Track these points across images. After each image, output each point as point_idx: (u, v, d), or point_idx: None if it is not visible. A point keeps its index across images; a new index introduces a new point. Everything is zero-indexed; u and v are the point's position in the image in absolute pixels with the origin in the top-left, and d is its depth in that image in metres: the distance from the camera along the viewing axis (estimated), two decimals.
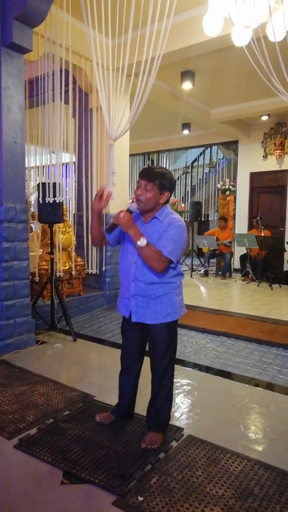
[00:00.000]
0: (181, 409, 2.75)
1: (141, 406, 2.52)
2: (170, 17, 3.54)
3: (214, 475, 2.04)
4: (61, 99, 4.57)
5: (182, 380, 3.22)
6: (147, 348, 2.36)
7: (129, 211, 2.10)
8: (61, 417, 2.57)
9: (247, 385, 3.18)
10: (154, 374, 2.28)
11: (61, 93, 4.43)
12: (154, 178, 2.09)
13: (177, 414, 2.67)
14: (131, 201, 6.01)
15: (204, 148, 10.81)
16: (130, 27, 3.73)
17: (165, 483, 1.96)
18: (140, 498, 1.85)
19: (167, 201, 2.20)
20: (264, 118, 8.31)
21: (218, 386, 3.17)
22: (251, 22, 3.23)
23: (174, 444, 2.31)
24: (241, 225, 9.29)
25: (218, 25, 3.50)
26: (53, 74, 4.38)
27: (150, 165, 12.04)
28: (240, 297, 6.61)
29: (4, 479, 1.99)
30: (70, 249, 5.10)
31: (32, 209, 5.77)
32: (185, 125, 9.07)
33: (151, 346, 2.27)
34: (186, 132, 9.19)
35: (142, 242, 2.01)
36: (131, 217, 2.08)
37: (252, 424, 2.59)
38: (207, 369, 3.48)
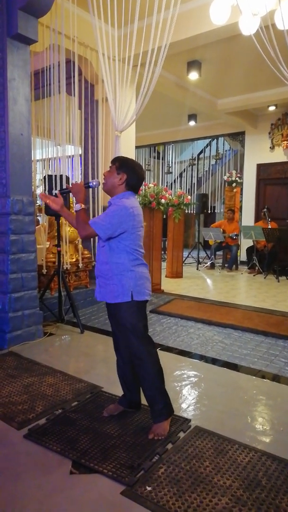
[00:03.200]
0: (188, 400, 2.77)
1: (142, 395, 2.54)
2: (177, 6, 3.49)
3: (221, 466, 2.05)
4: (66, 91, 4.55)
5: (189, 371, 3.23)
6: None
7: (87, 185, 2.38)
8: (69, 408, 2.60)
9: (254, 377, 3.18)
10: (133, 359, 2.35)
11: (67, 84, 4.41)
12: (115, 160, 2.32)
13: (184, 406, 2.68)
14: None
15: (210, 139, 10.72)
16: (136, 16, 3.68)
17: (173, 474, 1.98)
18: (149, 488, 1.87)
19: (131, 187, 2.30)
20: (272, 108, 8.22)
21: (225, 378, 3.17)
22: (259, 9, 3.18)
23: (181, 435, 2.32)
24: (247, 217, 9.24)
25: (226, 14, 3.45)
26: (58, 65, 4.35)
27: (156, 157, 11.98)
28: (246, 289, 6.59)
29: (14, 468, 2.02)
30: (77, 242, 5.11)
31: (38, 202, 5.78)
32: (192, 116, 8.99)
33: (117, 331, 2.41)
34: (192, 123, 9.12)
35: (77, 207, 2.24)
36: (83, 187, 2.32)
37: (259, 415, 2.60)
38: (214, 361, 3.49)
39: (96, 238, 2.29)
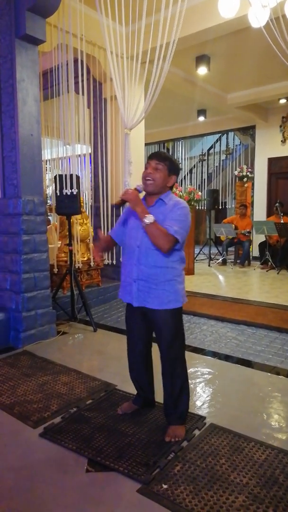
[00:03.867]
0: (203, 397, 2.76)
1: (159, 393, 2.54)
2: (185, 1, 3.45)
3: (238, 464, 2.04)
4: (75, 90, 4.55)
5: (203, 369, 3.22)
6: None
7: (136, 189, 2.13)
8: (84, 406, 2.61)
9: (269, 374, 3.15)
10: (165, 364, 2.26)
11: (75, 83, 4.41)
12: (164, 159, 2.15)
13: (198, 403, 2.67)
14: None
15: (220, 134, 10.63)
16: (144, 13, 3.65)
17: (189, 471, 1.97)
18: (165, 486, 1.86)
19: (172, 187, 2.24)
20: (282, 101, 8.09)
21: (240, 375, 3.15)
22: (269, 1, 3.12)
23: (196, 432, 2.31)
24: (259, 212, 9.14)
25: (234, 6, 3.40)
26: (66, 64, 4.35)
27: None
28: (259, 285, 6.53)
29: (31, 467, 2.04)
30: (88, 240, 5.12)
31: (49, 201, 5.81)
32: (201, 112, 8.92)
33: (158, 335, 2.26)
34: (201, 118, 9.04)
35: (149, 219, 2.03)
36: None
37: (275, 412, 2.58)
38: (228, 358, 3.47)
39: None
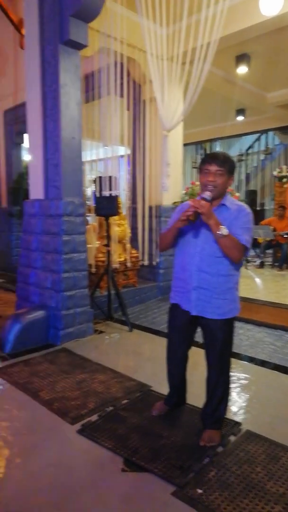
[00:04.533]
0: (238, 403, 2.73)
1: (192, 396, 2.56)
2: (226, 0, 3.41)
3: (274, 473, 2.00)
4: (115, 93, 4.62)
5: (239, 374, 3.18)
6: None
7: (204, 199, 2.03)
8: (120, 406, 2.65)
9: None
10: (213, 371, 2.25)
11: (115, 86, 4.47)
12: (224, 162, 2.06)
13: (234, 409, 2.64)
14: (185, 191, 5.95)
15: (259, 134, 10.40)
16: (185, 13, 3.64)
17: (224, 477, 1.96)
18: (199, 491, 1.87)
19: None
20: None
21: (276, 382, 3.09)
22: None
23: (232, 438, 2.30)
24: None
25: (277, 4, 3.33)
26: (107, 68, 4.43)
27: (202, 154, 11.83)
28: None
29: (68, 462, 2.11)
30: (125, 241, 5.19)
31: (88, 202, 5.93)
32: (240, 111, 8.78)
33: (209, 343, 2.22)
34: (240, 118, 8.90)
35: (223, 231, 1.97)
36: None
37: None
38: (264, 364, 3.40)
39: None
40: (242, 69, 5.96)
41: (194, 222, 2.07)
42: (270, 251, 8.63)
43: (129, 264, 5.10)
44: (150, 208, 5.49)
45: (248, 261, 8.40)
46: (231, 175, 2.10)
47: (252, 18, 4.34)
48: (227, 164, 2.06)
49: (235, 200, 2.17)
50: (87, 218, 6.64)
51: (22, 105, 6.63)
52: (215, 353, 2.20)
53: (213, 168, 2.05)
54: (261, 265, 8.24)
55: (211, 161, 2.06)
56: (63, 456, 2.16)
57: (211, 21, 3.62)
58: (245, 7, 4.36)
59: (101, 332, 4.20)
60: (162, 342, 3.87)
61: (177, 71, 4.14)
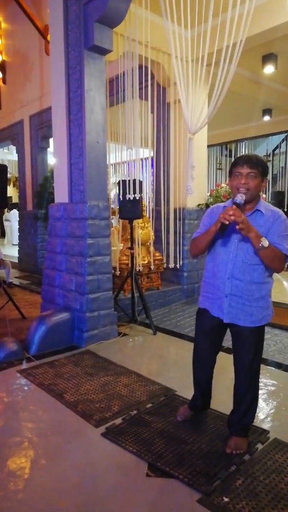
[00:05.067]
0: (266, 410, 2.66)
1: (218, 402, 2.52)
2: (253, 0, 3.35)
3: None
4: (140, 96, 4.63)
5: (266, 380, 3.10)
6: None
7: (237, 205, 1.95)
8: (144, 410, 2.64)
9: None
10: (242, 378, 2.19)
11: (139, 89, 4.48)
12: (257, 164, 1.99)
13: (261, 416, 2.58)
14: (209, 193, 5.90)
15: (286, 134, 10.18)
16: (210, 14, 3.61)
17: (251, 486, 1.91)
18: (226, 499, 1.82)
19: None
20: None
21: None
22: None
23: (259, 446, 2.24)
24: None
25: None
26: (132, 71, 4.44)
27: (228, 155, 11.70)
28: None
29: (93, 465, 2.10)
30: (148, 244, 5.18)
31: (112, 205, 5.95)
32: (266, 111, 8.63)
33: (240, 350, 2.17)
34: (267, 118, 8.75)
35: (265, 243, 1.91)
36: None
37: None
38: None
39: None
40: (269, 69, 5.86)
41: (223, 235, 2.03)
42: None
43: (152, 267, 5.09)
44: (175, 210, 5.46)
45: None
46: (264, 177, 2.03)
47: (279, 18, 4.27)
48: (260, 166, 1.99)
49: (269, 205, 2.10)
50: (111, 220, 6.69)
51: (48, 110, 6.78)
52: (245, 360, 2.15)
53: (245, 170, 1.98)
54: None
55: (243, 163, 1.99)
56: (88, 459, 2.16)
57: (237, 21, 3.56)
58: (271, 7, 4.28)
59: (125, 334, 4.20)
60: (187, 346, 3.88)
61: (202, 73, 4.10)
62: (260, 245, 1.90)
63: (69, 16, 3.86)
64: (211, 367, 2.38)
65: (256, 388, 2.24)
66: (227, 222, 1.91)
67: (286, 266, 2.03)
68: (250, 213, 2.04)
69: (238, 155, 9.35)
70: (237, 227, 1.91)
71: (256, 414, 2.51)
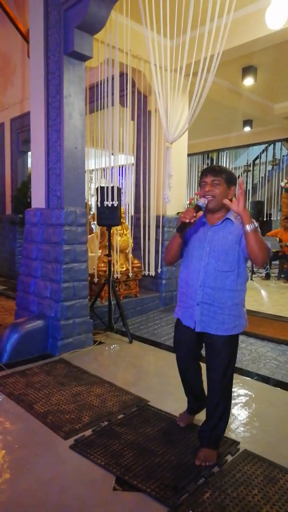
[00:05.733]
0: (238, 421, 2.65)
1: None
2: (230, 14, 3.41)
3: (271, 496, 1.93)
4: (120, 103, 4.63)
5: (240, 390, 3.10)
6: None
7: (198, 207, 1.99)
8: (115, 421, 2.59)
9: None
10: (214, 389, 2.16)
11: (120, 96, 4.48)
12: (220, 172, 2.04)
13: (233, 427, 2.57)
14: (188, 202, 5.93)
15: (267, 145, 10.38)
16: (189, 26, 3.65)
17: (219, 500, 1.89)
18: None
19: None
20: None
21: (278, 399, 3.00)
22: None
23: (229, 458, 2.22)
24: None
25: (282, 18, 3.31)
26: (112, 79, 4.45)
27: (209, 164, 11.84)
28: None
29: (59, 479, 2.05)
30: (127, 251, 5.16)
31: (93, 210, 5.92)
32: (247, 122, 8.78)
33: (212, 359, 2.14)
34: (247, 129, 8.89)
35: (252, 226, 1.90)
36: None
37: None
38: (267, 380, 3.31)
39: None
40: (249, 81, 5.97)
41: (183, 235, 2.06)
42: (276, 262, 8.55)
43: (131, 274, 5.07)
44: (154, 218, 5.46)
45: (253, 273, 8.32)
46: (230, 185, 2.05)
47: (258, 31, 4.34)
48: (223, 174, 2.04)
49: None
50: (92, 225, 6.65)
51: (29, 114, 6.71)
52: (218, 370, 2.13)
53: (209, 179, 2.04)
54: (267, 277, 8.15)
55: (207, 173, 2.06)
56: (54, 473, 2.10)
57: (215, 34, 3.62)
58: (250, 20, 4.36)
59: (100, 343, 4.15)
60: (163, 355, 3.86)
61: (181, 83, 4.13)
62: (252, 225, 1.89)
63: (49, 21, 3.84)
64: (197, 374, 2.37)
65: (228, 399, 2.23)
66: (187, 221, 1.96)
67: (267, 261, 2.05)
68: (220, 222, 2.07)
69: (220, 164, 9.47)
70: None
71: (228, 425, 2.51)
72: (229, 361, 2.13)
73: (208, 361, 2.19)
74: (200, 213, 2.00)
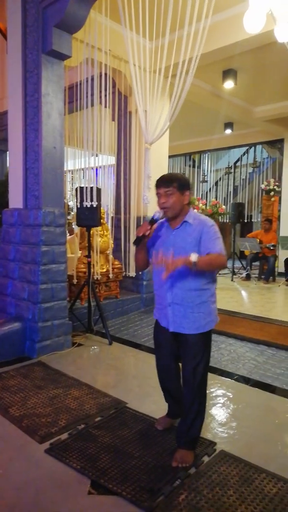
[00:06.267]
0: (215, 422, 2.66)
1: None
2: (208, 18, 3.43)
3: (246, 496, 1.94)
4: (100, 103, 4.60)
5: (218, 390, 3.11)
6: None
7: (152, 220, 2.13)
8: (92, 423, 2.57)
9: (287, 399, 3.01)
10: (188, 386, 2.20)
11: (101, 97, 4.45)
12: (170, 181, 2.10)
13: (210, 427, 2.57)
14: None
15: (247, 147, 10.50)
16: (168, 29, 3.66)
17: (194, 501, 1.89)
18: None
19: (189, 202, 2.21)
20: None
21: (256, 399, 3.03)
22: None
23: (205, 459, 2.22)
24: (286, 227, 8.91)
25: (260, 22, 3.35)
26: (92, 79, 4.42)
27: (191, 165, 11.92)
28: (283, 303, 6.33)
29: (34, 484, 2.01)
30: (108, 252, 5.13)
31: (74, 210, 5.86)
32: (228, 125, 8.86)
33: (186, 357, 2.20)
34: (228, 131, 8.97)
35: (193, 257, 1.93)
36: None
37: None
38: (245, 380, 3.34)
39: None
40: (229, 84, 6.01)
41: (143, 247, 2.23)
42: (256, 263, 8.66)
43: (111, 275, 5.04)
44: (135, 218, 5.45)
45: (234, 273, 8.40)
46: (183, 191, 2.12)
47: (237, 35, 4.38)
48: (174, 182, 2.09)
49: (199, 215, 2.21)
50: (73, 227, 6.58)
51: (7, 112, 6.59)
52: (190, 368, 2.17)
53: (162, 190, 2.11)
54: (248, 278, 8.24)
55: (159, 185, 2.12)
56: (28, 477, 2.06)
57: (194, 37, 3.63)
58: (230, 24, 4.40)
59: (79, 345, 4.11)
60: (143, 356, 3.85)
61: (160, 84, 4.13)
62: (192, 263, 1.93)
63: (27, 19, 3.79)
64: (175, 375, 2.38)
65: (203, 399, 2.24)
66: (140, 235, 2.13)
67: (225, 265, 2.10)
68: (179, 225, 2.16)
69: (202, 166, 9.55)
70: (165, 272, 1.97)
71: (205, 426, 2.52)
72: (201, 358, 2.17)
73: (182, 360, 2.23)
74: (155, 225, 2.15)
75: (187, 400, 2.21)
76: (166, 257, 1.94)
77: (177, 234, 2.15)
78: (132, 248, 5.43)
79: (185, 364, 2.21)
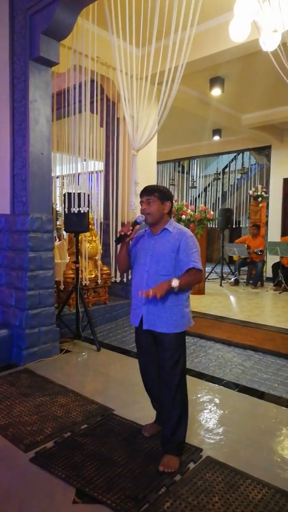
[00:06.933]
0: (202, 428, 2.66)
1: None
2: (194, 27, 3.48)
3: (231, 503, 1.94)
4: (89, 109, 4.62)
5: (204, 396, 3.12)
6: None
7: (135, 222, 2.27)
8: (78, 431, 2.55)
9: (273, 404, 3.03)
10: (166, 389, 2.25)
11: (90, 103, 4.46)
12: (152, 191, 2.27)
13: (196, 433, 2.57)
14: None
15: (235, 154, 10.61)
16: (154, 37, 3.70)
17: (179, 509, 1.88)
18: None
19: (170, 213, 2.35)
20: None
21: (242, 404, 3.04)
22: (278, 26, 3.12)
23: (191, 465, 2.22)
24: (274, 232, 9.00)
25: (245, 31, 3.41)
26: (80, 85, 4.43)
27: (180, 171, 11.99)
28: (271, 308, 6.38)
29: (18, 494, 1.99)
30: (96, 258, 5.12)
31: (60, 218, 5.85)
32: (216, 131, 8.95)
33: (161, 358, 2.28)
34: (217, 138, 9.06)
35: (174, 283, 2.10)
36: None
37: (277, 448, 2.46)
38: (232, 385, 3.35)
39: (139, 264, 2.30)
40: (216, 92, 6.08)
41: (125, 245, 2.36)
42: (245, 268, 8.72)
43: (100, 281, 5.03)
44: (123, 224, 5.46)
45: (223, 279, 8.44)
46: (163, 201, 2.27)
47: (223, 44, 4.44)
48: (156, 192, 2.26)
49: (179, 226, 2.34)
50: (62, 232, 6.54)
51: None
52: (168, 368, 2.23)
53: (144, 198, 2.28)
54: (236, 283, 8.30)
55: (142, 194, 2.30)
56: (12, 487, 2.03)
57: (180, 45, 3.67)
58: (216, 33, 4.46)
59: (67, 351, 4.09)
60: (130, 362, 3.84)
61: (147, 91, 4.17)
62: (174, 287, 2.10)
63: (15, 26, 3.80)
64: (158, 378, 2.38)
65: (183, 402, 2.27)
66: (122, 233, 2.27)
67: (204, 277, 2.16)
68: (159, 232, 2.30)
69: (191, 172, 9.61)
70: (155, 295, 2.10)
71: (192, 432, 2.52)
72: (178, 358, 2.24)
73: (160, 362, 2.29)
74: (137, 226, 2.28)
75: (168, 403, 2.25)
76: (148, 292, 2.09)
77: (157, 239, 2.28)
78: None
79: (163, 365, 2.27)
